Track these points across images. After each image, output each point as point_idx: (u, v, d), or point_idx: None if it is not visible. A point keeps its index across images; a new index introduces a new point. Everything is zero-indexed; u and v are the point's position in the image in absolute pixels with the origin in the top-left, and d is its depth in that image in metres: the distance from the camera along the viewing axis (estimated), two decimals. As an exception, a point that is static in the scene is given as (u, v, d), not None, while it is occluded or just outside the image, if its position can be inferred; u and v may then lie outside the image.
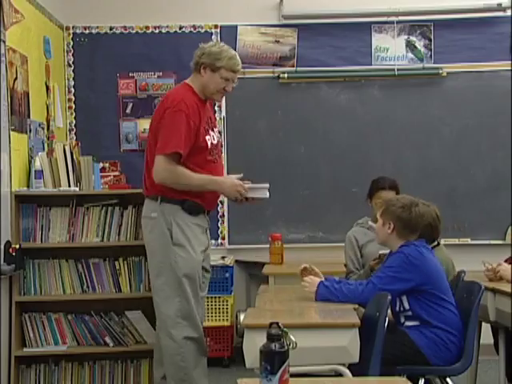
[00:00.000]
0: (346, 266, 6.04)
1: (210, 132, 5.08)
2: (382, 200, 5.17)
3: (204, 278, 5.23)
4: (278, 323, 2.48)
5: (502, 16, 7.61)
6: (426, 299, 4.59)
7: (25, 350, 5.78)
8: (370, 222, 5.88)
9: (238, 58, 5.08)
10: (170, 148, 4.86)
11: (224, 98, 6.18)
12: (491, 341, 5.56)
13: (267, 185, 5.10)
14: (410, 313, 4.62)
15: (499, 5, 7.57)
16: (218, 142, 5.19)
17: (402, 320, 4.64)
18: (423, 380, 4.90)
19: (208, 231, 5.28)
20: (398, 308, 4.65)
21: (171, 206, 4.97)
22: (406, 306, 4.63)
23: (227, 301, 7.03)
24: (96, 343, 5.86)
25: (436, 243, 5.30)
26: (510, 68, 7.56)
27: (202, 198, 5.04)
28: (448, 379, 4.83)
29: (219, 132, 5.34)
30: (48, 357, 5.82)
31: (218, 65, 4.97)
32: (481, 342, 5.43)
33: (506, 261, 5.85)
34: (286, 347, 2.41)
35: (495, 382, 5.43)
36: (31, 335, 5.79)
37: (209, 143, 5.03)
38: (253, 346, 3.60)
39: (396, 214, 4.74)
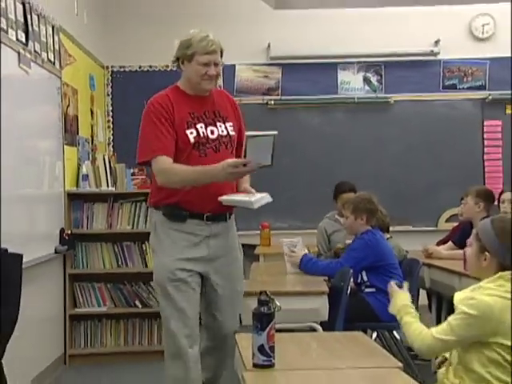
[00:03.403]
0: (318, 247, 6.07)
1: (200, 125, 3.62)
2: (348, 199, 5.15)
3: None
4: (266, 291, 2.48)
5: (434, 59, 7.65)
6: (380, 272, 4.62)
7: (76, 310, 5.83)
8: (337, 216, 5.90)
9: (210, 38, 3.61)
10: (146, 155, 3.66)
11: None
12: (426, 302, 5.59)
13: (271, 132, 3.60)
14: (368, 283, 4.65)
15: (432, 51, 7.62)
16: (218, 135, 3.66)
17: (363, 288, 4.67)
18: (376, 333, 4.95)
19: (212, 240, 3.62)
20: (359, 280, 4.68)
21: (155, 212, 3.65)
22: (365, 278, 4.66)
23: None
24: (128, 305, 5.90)
25: (389, 236, 5.33)
26: (441, 98, 7.62)
27: (181, 201, 3.56)
28: (394, 332, 4.86)
29: (232, 126, 3.77)
30: (93, 315, 5.86)
31: (189, 52, 3.59)
32: (419, 303, 5.45)
33: (439, 242, 5.90)
34: (273, 310, 2.41)
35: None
36: (80, 299, 5.84)
37: (191, 137, 3.58)
38: (247, 308, 3.61)
39: (367, 207, 4.77)
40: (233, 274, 3.70)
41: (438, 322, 5.24)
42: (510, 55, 7.44)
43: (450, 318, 2.68)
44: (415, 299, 4.85)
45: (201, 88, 3.65)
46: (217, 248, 3.63)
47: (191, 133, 3.59)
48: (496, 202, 5.45)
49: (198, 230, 3.58)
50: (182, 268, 3.54)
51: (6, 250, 2.05)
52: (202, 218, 3.58)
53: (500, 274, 2.69)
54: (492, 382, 2.59)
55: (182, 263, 3.55)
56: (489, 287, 2.68)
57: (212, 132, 3.65)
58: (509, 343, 2.59)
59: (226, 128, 3.72)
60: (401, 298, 3.03)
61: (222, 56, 3.73)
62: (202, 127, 3.63)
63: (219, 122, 3.71)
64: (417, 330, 2.78)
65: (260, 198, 3.76)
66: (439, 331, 2.68)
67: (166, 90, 3.70)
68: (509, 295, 2.62)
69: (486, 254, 2.74)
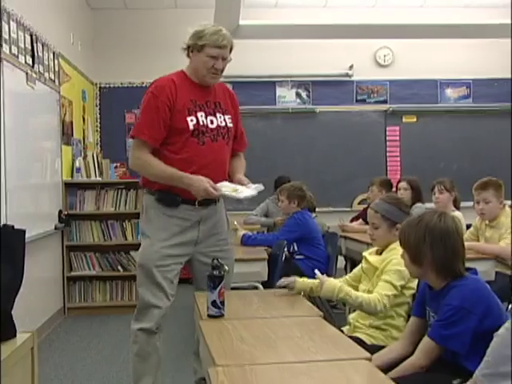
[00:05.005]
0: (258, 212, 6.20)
1: (200, 114, 2.97)
2: (284, 187, 5.16)
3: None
4: (217, 258, 2.49)
5: (349, 80, 7.70)
6: (307, 243, 4.66)
7: (72, 273, 5.78)
8: (276, 200, 5.93)
9: (222, 32, 2.97)
10: (134, 132, 2.94)
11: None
12: (343, 265, 5.66)
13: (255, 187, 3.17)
14: (298, 252, 4.69)
15: (347, 73, 7.66)
16: (217, 126, 3.01)
17: (294, 255, 4.70)
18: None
19: (202, 224, 3.03)
20: (291, 249, 4.71)
21: (148, 196, 3.03)
22: (296, 248, 4.69)
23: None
24: (112, 270, 5.85)
25: (315, 215, 5.38)
26: (354, 109, 7.67)
27: (176, 188, 2.91)
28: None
29: (230, 119, 3.12)
30: (85, 277, 5.82)
31: (200, 43, 2.93)
32: (337, 266, 5.53)
33: (352, 219, 5.98)
34: (223, 273, 2.42)
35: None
36: (75, 264, 5.79)
37: (191, 124, 2.92)
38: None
39: (298, 194, 4.81)
40: (219, 255, 2.82)
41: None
42: (404, 78, 7.71)
43: (385, 278, 2.70)
44: (335, 263, 4.94)
45: (205, 81, 3.01)
46: (205, 231, 3.03)
47: (191, 120, 2.94)
48: (394, 189, 5.55)
49: (190, 215, 2.98)
50: (169, 254, 2.95)
51: (13, 226, 2.04)
52: (194, 203, 2.95)
53: None
54: (395, 317, 2.71)
55: (171, 249, 2.96)
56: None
57: (212, 122, 3.00)
58: (413, 285, 2.70)
59: (224, 120, 3.07)
60: (332, 283, 2.72)
61: (231, 52, 3.07)
62: (202, 116, 2.97)
63: (219, 113, 3.05)
64: (370, 302, 2.63)
65: (249, 191, 3.04)
66: (385, 289, 2.66)
67: (172, 74, 3.03)
68: None
69: (398, 225, 2.79)
